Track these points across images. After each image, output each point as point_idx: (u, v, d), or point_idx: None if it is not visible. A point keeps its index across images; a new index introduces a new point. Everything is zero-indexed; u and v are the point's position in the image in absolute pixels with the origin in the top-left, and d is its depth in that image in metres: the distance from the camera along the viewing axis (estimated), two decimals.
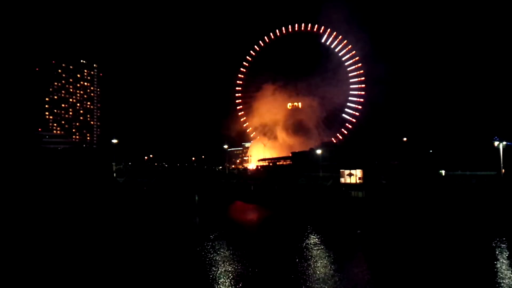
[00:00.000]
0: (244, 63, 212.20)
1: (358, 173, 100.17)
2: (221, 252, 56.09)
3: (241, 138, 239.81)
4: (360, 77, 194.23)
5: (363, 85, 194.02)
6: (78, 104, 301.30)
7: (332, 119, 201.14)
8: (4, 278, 44.49)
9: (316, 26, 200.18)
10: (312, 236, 67.68)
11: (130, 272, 46.74)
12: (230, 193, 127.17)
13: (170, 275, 46.12)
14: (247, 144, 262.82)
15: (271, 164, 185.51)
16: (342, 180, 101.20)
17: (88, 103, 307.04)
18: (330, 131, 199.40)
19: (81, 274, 46.24)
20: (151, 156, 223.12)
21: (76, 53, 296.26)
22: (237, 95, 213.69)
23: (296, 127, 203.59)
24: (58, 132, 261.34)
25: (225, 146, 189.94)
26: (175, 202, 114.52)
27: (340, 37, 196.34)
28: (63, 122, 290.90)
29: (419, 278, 44.52)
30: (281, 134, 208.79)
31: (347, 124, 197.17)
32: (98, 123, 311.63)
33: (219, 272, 46.40)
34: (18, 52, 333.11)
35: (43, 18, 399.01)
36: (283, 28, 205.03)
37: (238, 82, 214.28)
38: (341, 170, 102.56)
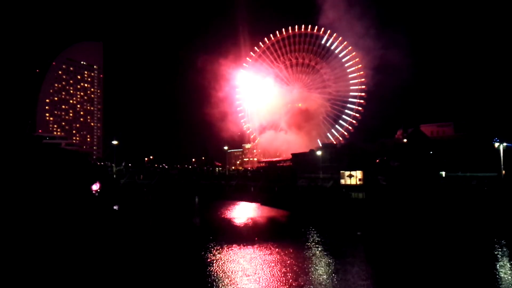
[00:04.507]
0: (245, 64, 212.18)
1: (358, 174, 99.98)
2: (221, 252, 56.04)
3: (241, 140, 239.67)
4: (361, 78, 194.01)
5: (364, 86, 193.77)
6: (79, 106, 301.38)
7: (335, 118, 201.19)
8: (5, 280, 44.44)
9: (316, 27, 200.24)
10: (312, 238, 67.61)
11: (131, 273, 46.71)
12: (230, 195, 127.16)
13: (171, 275, 46.07)
14: (247, 146, 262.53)
15: (271, 165, 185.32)
16: (342, 181, 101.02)
17: (88, 104, 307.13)
18: (333, 131, 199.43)
19: (82, 274, 46.18)
20: (151, 157, 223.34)
21: (76, 54, 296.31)
22: (237, 96, 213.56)
23: (300, 125, 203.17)
24: (59, 133, 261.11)
25: (225, 148, 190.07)
26: (175, 203, 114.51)
27: (341, 38, 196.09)
28: (63, 123, 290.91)
29: (420, 280, 44.45)
30: (287, 128, 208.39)
31: (347, 125, 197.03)
32: (99, 125, 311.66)
33: (219, 273, 46.33)
34: (19, 53, 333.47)
35: (43, 19, 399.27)
36: (283, 29, 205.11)
37: (238, 83, 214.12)
38: (341, 172, 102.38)
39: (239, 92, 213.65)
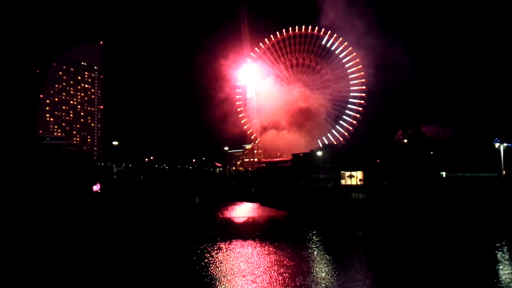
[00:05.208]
0: (245, 64, 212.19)
1: (358, 174, 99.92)
2: (221, 252, 56.05)
3: (242, 140, 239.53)
4: (361, 79, 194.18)
5: (364, 87, 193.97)
6: (79, 106, 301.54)
7: (335, 119, 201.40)
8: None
9: (316, 28, 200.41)
10: (313, 238, 67.61)
11: (131, 271, 46.77)
12: (231, 195, 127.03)
13: (169, 275, 46.12)
14: (247, 146, 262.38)
15: (272, 165, 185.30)
16: (343, 181, 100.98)
17: (89, 105, 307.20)
18: (333, 131, 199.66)
19: (82, 273, 46.22)
20: (151, 158, 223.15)
21: (76, 55, 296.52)
22: (237, 96, 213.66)
23: (301, 124, 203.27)
24: (59, 134, 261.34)
25: (226, 148, 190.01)
26: (176, 203, 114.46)
27: (341, 39, 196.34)
28: (63, 124, 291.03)
29: (420, 280, 44.44)
30: (288, 127, 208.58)
31: (347, 126, 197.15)
32: (99, 125, 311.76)
33: (219, 273, 46.34)
34: (19, 54, 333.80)
35: (43, 20, 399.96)
36: (284, 30, 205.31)
37: (239, 83, 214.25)
38: (341, 172, 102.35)
39: (240, 92, 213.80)
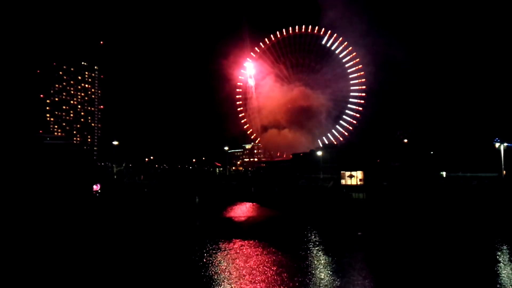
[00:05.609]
0: (245, 64, 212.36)
1: (359, 174, 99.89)
2: (220, 252, 56.08)
3: (242, 140, 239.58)
4: (361, 78, 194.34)
5: (364, 87, 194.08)
6: (79, 106, 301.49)
7: (335, 118, 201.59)
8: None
9: (316, 28, 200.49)
10: (313, 238, 67.60)
11: (131, 271, 46.79)
12: (231, 195, 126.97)
13: (168, 275, 46.14)
14: (247, 146, 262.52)
15: (272, 165, 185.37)
16: (343, 181, 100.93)
17: (89, 105, 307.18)
18: (333, 130, 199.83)
19: (84, 274, 46.24)
20: (151, 157, 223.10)
21: (77, 55, 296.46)
22: (237, 96, 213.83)
23: (302, 123, 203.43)
24: (59, 134, 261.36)
25: (226, 148, 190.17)
26: (175, 203, 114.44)
27: (341, 38, 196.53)
28: (64, 124, 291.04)
29: (421, 281, 44.43)
30: (289, 126, 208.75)
31: (347, 125, 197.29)
32: (99, 125, 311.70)
33: (217, 273, 46.35)
34: (19, 54, 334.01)
35: (43, 20, 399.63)
36: (284, 30, 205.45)
37: (239, 83, 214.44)
38: (341, 172, 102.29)
39: (240, 92, 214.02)
